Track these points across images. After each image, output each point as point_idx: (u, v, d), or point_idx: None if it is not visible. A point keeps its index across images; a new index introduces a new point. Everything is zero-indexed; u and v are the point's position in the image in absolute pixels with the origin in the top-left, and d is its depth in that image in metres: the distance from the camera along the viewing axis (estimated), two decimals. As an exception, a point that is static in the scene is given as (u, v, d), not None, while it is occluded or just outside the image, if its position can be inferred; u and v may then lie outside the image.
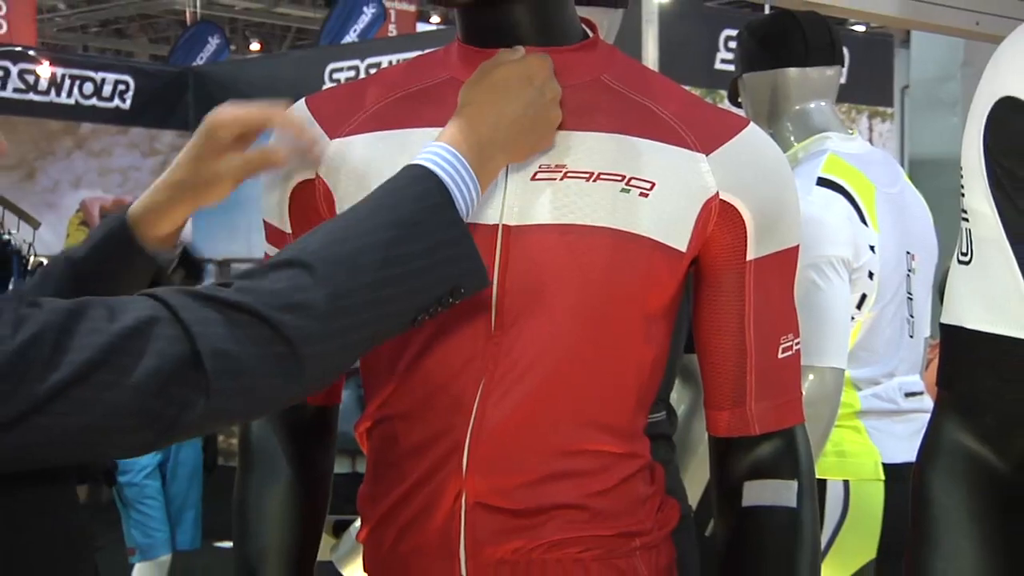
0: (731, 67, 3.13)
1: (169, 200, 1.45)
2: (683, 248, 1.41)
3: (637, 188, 1.39)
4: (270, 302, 1.14)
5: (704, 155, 1.42)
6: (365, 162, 1.44)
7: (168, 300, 1.11)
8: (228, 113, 1.44)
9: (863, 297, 2.60)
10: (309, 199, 1.48)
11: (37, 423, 1.05)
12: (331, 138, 1.47)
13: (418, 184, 1.26)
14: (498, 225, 1.37)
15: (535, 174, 1.39)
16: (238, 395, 1.13)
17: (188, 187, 1.44)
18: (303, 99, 1.53)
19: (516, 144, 1.35)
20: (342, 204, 1.45)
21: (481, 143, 1.31)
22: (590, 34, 1.50)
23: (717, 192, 1.41)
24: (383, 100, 1.47)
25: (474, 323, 1.37)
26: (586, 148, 1.40)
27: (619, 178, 1.39)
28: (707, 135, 1.43)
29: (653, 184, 1.39)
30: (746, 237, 1.44)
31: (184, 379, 1.10)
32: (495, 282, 1.37)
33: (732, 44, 7.24)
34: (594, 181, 1.39)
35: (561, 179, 1.38)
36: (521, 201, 1.38)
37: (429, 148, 1.29)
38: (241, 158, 1.44)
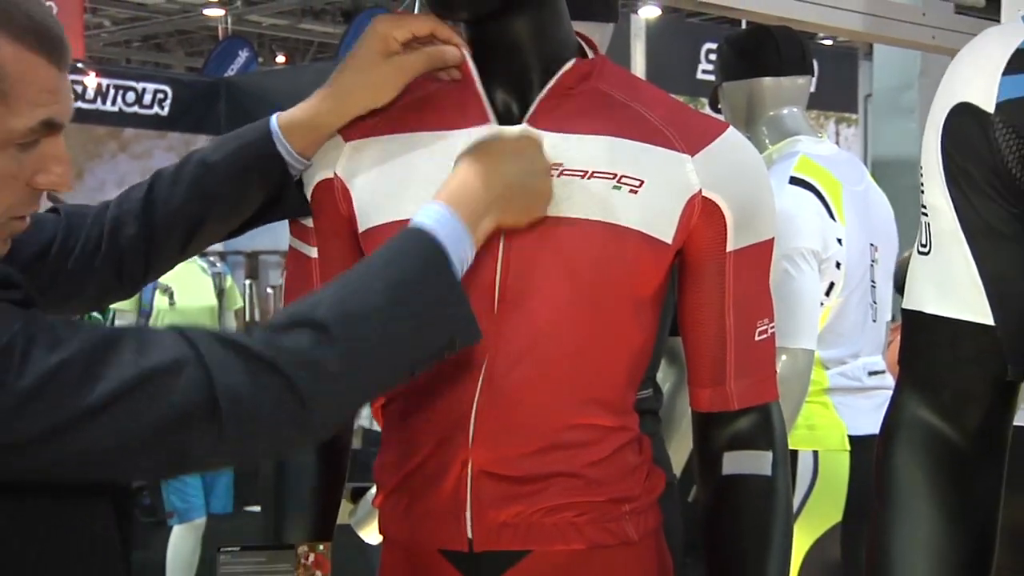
0: (712, 77, 3.12)
1: (329, 110, 1.43)
2: (669, 240, 1.40)
3: (627, 185, 1.38)
4: (289, 359, 1.11)
5: (689, 156, 1.41)
6: (377, 162, 1.44)
7: (197, 342, 1.09)
8: (397, 19, 1.41)
9: (831, 285, 2.59)
10: (329, 196, 1.48)
11: (60, 444, 1.03)
12: (346, 141, 1.46)
13: (418, 245, 1.22)
14: None
15: None
16: (248, 440, 1.11)
17: (353, 93, 1.42)
18: None
19: (509, 206, 1.31)
20: (359, 201, 1.44)
21: (476, 203, 1.27)
22: (586, 47, 1.49)
23: (700, 190, 1.41)
24: (392, 106, 1.46)
25: (478, 307, 1.37)
26: (581, 149, 1.39)
27: (611, 176, 1.39)
28: (691, 138, 1.42)
29: (642, 182, 1.39)
30: (726, 231, 1.43)
31: (200, 420, 1.07)
32: (499, 267, 1.36)
33: (713, 56, 7.23)
34: (588, 178, 1.38)
35: (559, 176, 1.38)
36: None
37: (428, 208, 1.25)
38: (415, 55, 1.41)
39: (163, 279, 5.64)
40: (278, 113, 1.44)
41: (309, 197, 1.49)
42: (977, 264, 1.19)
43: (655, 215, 1.39)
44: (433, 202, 1.26)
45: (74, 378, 1.03)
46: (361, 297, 1.17)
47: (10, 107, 1.12)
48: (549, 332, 1.37)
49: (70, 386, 1.03)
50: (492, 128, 1.39)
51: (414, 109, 1.45)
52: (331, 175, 1.47)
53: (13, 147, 1.13)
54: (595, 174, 1.38)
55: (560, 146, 1.39)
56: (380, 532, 1.51)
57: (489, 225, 1.29)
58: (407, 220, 1.37)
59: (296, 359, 1.11)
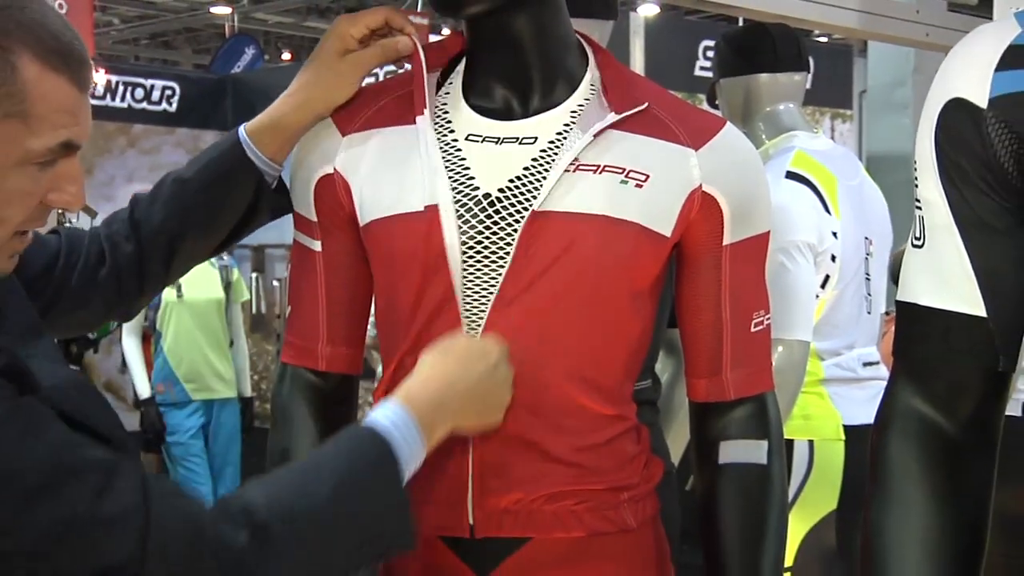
0: (709, 73, 3.11)
1: (292, 110, 1.45)
2: (668, 233, 1.40)
3: (634, 180, 1.38)
4: (226, 558, 1.08)
5: (694, 150, 1.41)
6: (374, 156, 1.44)
7: (152, 502, 1.05)
8: (354, 17, 1.44)
9: (827, 278, 2.59)
10: (330, 191, 1.48)
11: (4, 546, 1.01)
12: (343, 135, 1.46)
13: (372, 449, 1.20)
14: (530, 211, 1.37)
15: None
16: None
17: (313, 92, 1.45)
18: None
19: (463, 413, 1.30)
20: (358, 195, 1.45)
21: (435, 410, 1.26)
22: (586, 45, 1.49)
23: (701, 184, 1.41)
24: (384, 99, 1.46)
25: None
26: (596, 144, 1.39)
27: (620, 170, 1.39)
28: (695, 132, 1.42)
29: (648, 176, 1.39)
30: (723, 224, 1.43)
31: (124, 573, 1.04)
32: (509, 261, 1.36)
33: (710, 53, 7.22)
34: (600, 173, 1.38)
35: (575, 171, 1.38)
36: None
37: (388, 407, 1.24)
38: (369, 49, 1.45)
39: (171, 272, 5.64)
40: (246, 123, 1.46)
41: (312, 192, 1.49)
42: (970, 257, 1.19)
43: (656, 209, 1.39)
44: (393, 402, 1.25)
45: (21, 499, 1.00)
46: (308, 499, 1.14)
47: (31, 127, 1.10)
48: (548, 322, 1.37)
49: (16, 505, 1.00)
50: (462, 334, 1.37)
51: (402, 103, 1.46)
52: (331, 170, 1.47)
53: (31, 166, 1.12)
54: (606, 168, 1.38)
55: (579, 142, 1.39)
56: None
57: (443, 432, 1.28)
58: (405, 214, 1.37)
59: (233, 559, 1.08)
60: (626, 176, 1.39)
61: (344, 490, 1.16)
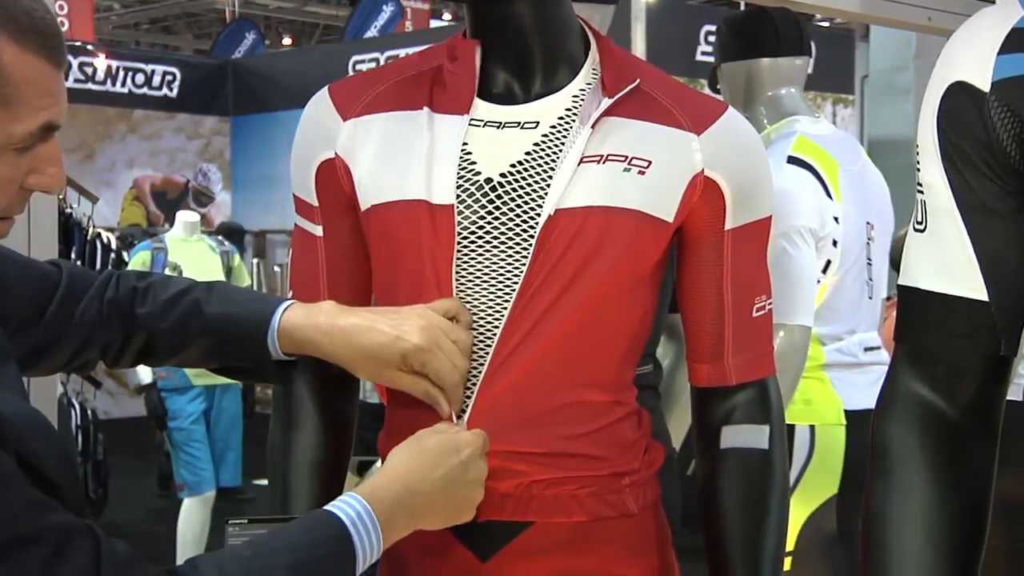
0: (711, 58, 3.11)
1: (330, 346, 1.37)
2: (669, 219, 1.40)
3: (636, 167, 1.38)
4: None
5: (696, 135, 1.41)
6: (375, 141, 1.44)
7: (104, 566, 1.03)
8: (428, 350, 1.34)
9: (828, 263, 2.59)
10: (331, 175, 1.47)
11: None
12: (344, 120, 1.46)
13: (331, 539, 1.18)
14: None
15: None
16: None
17: (357, 354, 1.37)
18: (326, 87, 1.52)
19: (426, 515, 1.28)
20: (359, 180, 1.44)
21: (395, 506, 1.24)
22: (587, 30, 1.48)
23: (703, 169, 1.41)
24: (384, 84, 1.46)
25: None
26: (599, 132, 1.39)
27: (623, 159, 1.38)
28: (697, 117, 1.42)
29: (650, 163, 1.39)
30: (725, 209, 1.43)
31: None
32: (526, 267, 1.36)
33: (712, 37, 7.21)
34: (603, 163, 1.38)
35: (578, 164, 1.38)
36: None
37: (350, 500, 1.21)
38: (415, 383, 1.37)
39: (172, 258, 5.64)
40: (291, 306, 1.40)
41: (313, 177, 1.49)
42: (972, 241, 1.19)
43: (658, 195, 1.39)
44: (356, 495, 1.23)
45: None
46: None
47: (12, 112, 1.07)
48: (552, 314, 1.37)
49: None
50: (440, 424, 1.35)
51: (400, 88, 1.45)
52: (332, 155, 1.46)
53: (11, 151, 1.08)
54: (609, 157, 1.38)
55: (580, 137, 1.38)
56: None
57: (405, 531, 1.26)
58: (407, 200, 1.37)
59: None
60: (629, 164, 1.38)
61: (299, 572, 1.14)
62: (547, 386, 1.39)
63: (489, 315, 1.39)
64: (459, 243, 1.38)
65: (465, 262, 1.39)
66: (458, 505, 1.32)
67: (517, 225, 1.38)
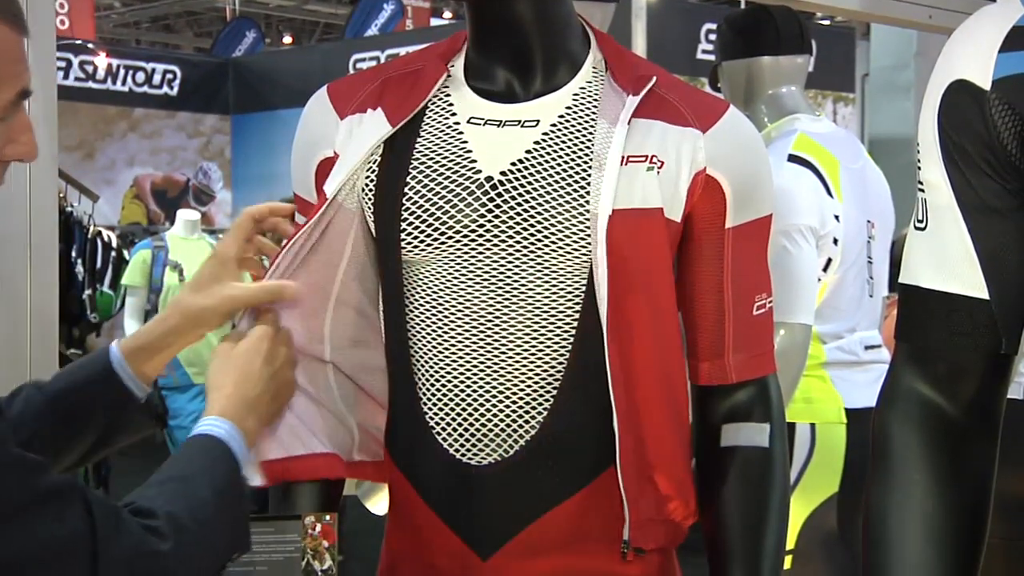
0: (711, 56, 3.11)
1: (164, 336, 1.41)
2: (678, 218, 1.40)
3: (655, 166, 1.38)
4: (155, 561, 1.10)
5: (701, 132, 1.41)
6: (370, 139, 1.43)
7: (99, 526, 1.06)
8: (229, 236, 1.43)
9: (829, 261, 2.59)
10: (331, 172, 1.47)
11: None
12: (341, 118, 1.46)
13: (223, 454, 1.24)
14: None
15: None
16: None
17: (185, 323, 1.41)
18: (325, 85, 1.52)
19: (267, 409, 1.34)
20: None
21: (246, 414, 1.29)
22: (588, 28, 1.48)
23: (705, 167, 1.40)
24: (376, 82, 1.46)
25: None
26: (614, 136, 1.38)
27: (643, 158, 1.38)
28: (701, 114, 1.42)
29: (663, 163, 1.39)
30: (725, 207, 1.43)
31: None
32: (587, 269, 1.37)
33: (712, 36, 7.21)
34: (625, 164, 1.38)
35: (600, 167, 1.37)
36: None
37: (214, 421, 1.27)
38: (248, 289, 1.41)
39: (172, 256, 5.65)
40: (121, 340, 1.43)
41: (313, 175, 1.49)
42: (972, 239, 1.19)
43: (671, 194, 1.39)
44: (217, 419, 1.27)
45: None
46: (199, 506, 1.17)
47: None
48: (642, 321, 1.39)
49: None
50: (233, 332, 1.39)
51: (389, 87, 1.45)
52: (331, 153, 1.46)
53: None
54: (630, 159, 1.38)
55: (617, 137, 1.38)
56: (389, 500, 1.51)
57: (258, 431, 1.32)
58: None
59: (160, 567, 1.10)
60: (650, 163, 1.38)
61: (221, 497, 1.20)
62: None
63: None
64: (459, 242, 1.38)
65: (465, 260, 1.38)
66: (285, 387, 1.37)
67: (510, 217, 1.38)
